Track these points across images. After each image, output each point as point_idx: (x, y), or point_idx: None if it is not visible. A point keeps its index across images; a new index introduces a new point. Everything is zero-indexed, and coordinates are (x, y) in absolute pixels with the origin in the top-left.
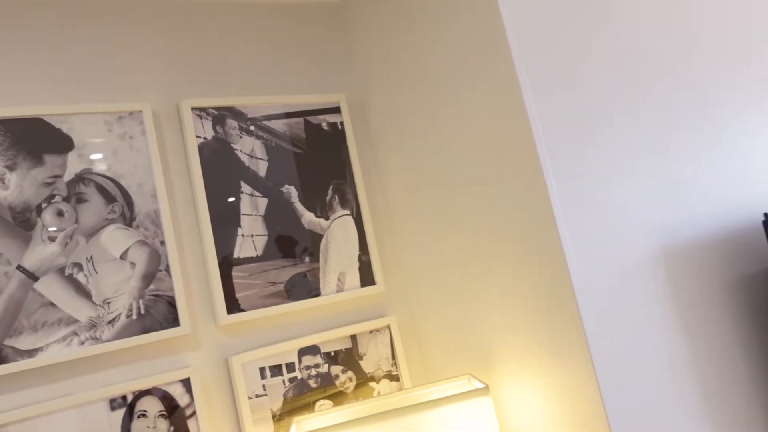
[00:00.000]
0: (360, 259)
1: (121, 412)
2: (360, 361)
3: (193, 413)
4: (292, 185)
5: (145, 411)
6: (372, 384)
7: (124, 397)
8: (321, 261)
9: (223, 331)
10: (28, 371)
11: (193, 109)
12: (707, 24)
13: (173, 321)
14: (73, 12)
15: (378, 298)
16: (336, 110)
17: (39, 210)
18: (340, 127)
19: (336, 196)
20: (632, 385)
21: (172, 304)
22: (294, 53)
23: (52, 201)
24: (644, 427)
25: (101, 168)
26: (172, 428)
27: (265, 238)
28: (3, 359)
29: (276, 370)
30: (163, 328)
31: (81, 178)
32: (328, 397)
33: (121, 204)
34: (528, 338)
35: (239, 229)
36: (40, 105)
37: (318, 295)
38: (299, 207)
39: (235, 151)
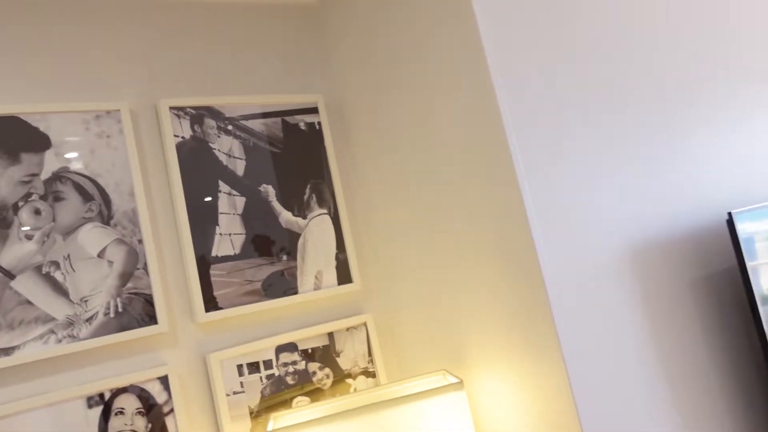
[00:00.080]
0: (337, 258)
1: (98, 410)
2: (337, 358)
3: (171, 410)
4: (269, 184)
5: (122, 408)
6: (349, 380)
7: (101, 395)
8: (298, 259)
9: (200, 329)
10: (4, 369)
11: (171, 108)
12: (674, 26)
13: (151, 319)
14: (50, 11)
15: (355, 296)
16: (314, 110)
17: (16, 208)
18: (317, 127)
19: (313, 195)
20: (602, 380)
21: (149, 302)
22: (272, 54)
23: (29, 199)
24: (614, 420)
25: (78, 167)
26: (149, 425)
27: (243, 236)
28: None
29: (254, 367)
30: (140, 326)
31: (58, 176)
32: (306, 394)
33: (98, 203)
34: (501, 335)
35: (217, 227)
36: (17, 103)
37: (295, 293)
38: (277, 206)
39: (213, 151)
